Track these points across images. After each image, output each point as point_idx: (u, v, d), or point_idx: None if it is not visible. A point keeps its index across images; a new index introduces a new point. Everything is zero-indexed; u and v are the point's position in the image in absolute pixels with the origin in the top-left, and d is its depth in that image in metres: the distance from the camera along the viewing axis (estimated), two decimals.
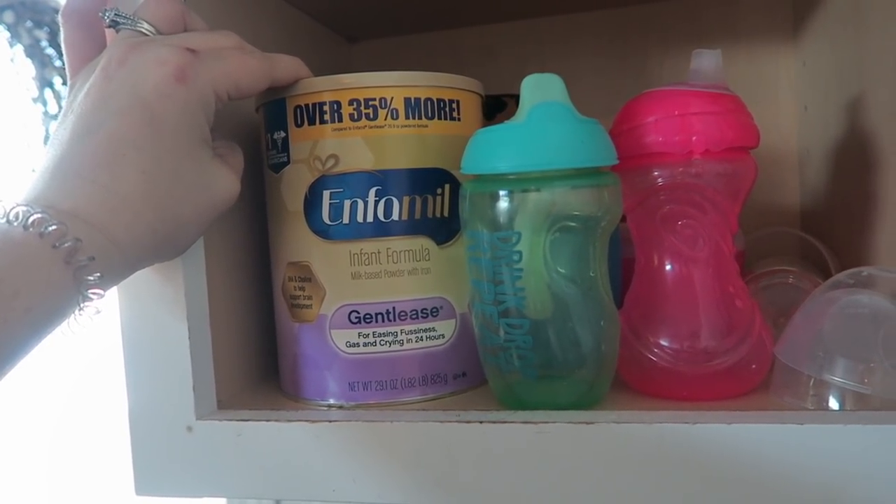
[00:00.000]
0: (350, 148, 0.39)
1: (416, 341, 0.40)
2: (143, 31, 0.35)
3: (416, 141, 0.40)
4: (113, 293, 0.35)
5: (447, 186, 0.40)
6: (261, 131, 0.43)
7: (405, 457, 0.36)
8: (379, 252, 0.39)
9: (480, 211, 0.36)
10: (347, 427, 0.36)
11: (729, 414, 0.33)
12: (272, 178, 0.42)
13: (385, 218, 0.39)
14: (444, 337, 0.41)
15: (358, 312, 0.39)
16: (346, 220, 0.39)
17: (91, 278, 0.29)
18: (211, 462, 0.38)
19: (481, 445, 0.35)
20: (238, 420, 0.38)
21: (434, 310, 0.40)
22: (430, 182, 0.40)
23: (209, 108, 0.34)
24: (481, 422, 0.35)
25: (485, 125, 0.39)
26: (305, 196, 0.40)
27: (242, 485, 0.38)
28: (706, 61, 0.38)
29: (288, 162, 0.40)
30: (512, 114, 0.36)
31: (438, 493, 0.35)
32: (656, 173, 0.37)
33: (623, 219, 0.38)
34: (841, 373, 0.33)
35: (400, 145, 0.39)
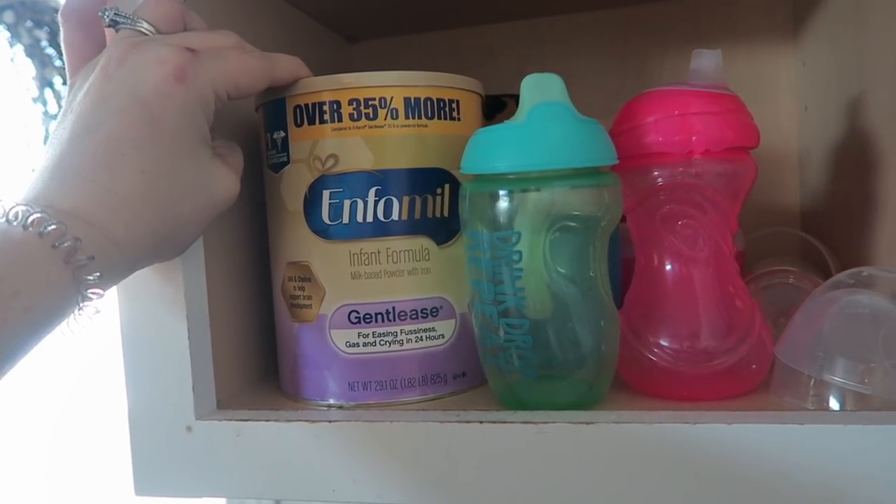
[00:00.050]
0: (350, 148, 0.39)
1: (416, 341, 0.40)
2: (143, 30, 0.35)
3: (416, 141, 0.39)
4: (112, 293, 0.35)
5: (447, 186, 0.40)
6: (260, 131, 0.43)
7: (405, 457, 0.36)
8: (379, 252, 0.39)
9: (480, 211, 0.36)
10: (347, 427, 0.36)
11: (729, 414, 0.33)
12: (272, 178, 0.42)
13: (385, 218, 0.39)
14: (443, 337, 0.41)
15: (358, 312, 0.39)
16: (345, 219, 0.39)
17: (90, 278, 0.29)
18: (210, 462, 0.38)
19: (481, 445, 0.35)
20: (238, 420, 0.38)
21: (434, 310, 0.40)
22: (430, 182, 0.40)
23: (209, 108, 0.34)
24: (481, 422, 0.35)
25: (485, 125, 0.39)
26: (305, 196, 0.40)
27: (242, 485, 0.38)
28: (706, 61, 0.38)
29: (288, 162, 0.40)
30: (512, 114, 0.36)
31: (438, 493, 0.35)
32: (656, 173, 0.37)
33: (623, 219, 0.38)
34: (841, 373, 0.33)
35: (400, 145, 0.39)
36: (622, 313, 0.39)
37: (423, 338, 0.40)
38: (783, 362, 0.36)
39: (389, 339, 0.40)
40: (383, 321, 0.39)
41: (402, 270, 0.40)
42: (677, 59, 0.65)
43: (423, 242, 0.40)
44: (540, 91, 0.35)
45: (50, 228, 0.28)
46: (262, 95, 0.41)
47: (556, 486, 0.34)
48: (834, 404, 0.34)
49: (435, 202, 0.40)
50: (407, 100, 0.39)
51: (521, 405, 0.37)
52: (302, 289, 0.41)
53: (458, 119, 0.41)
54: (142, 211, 0.31)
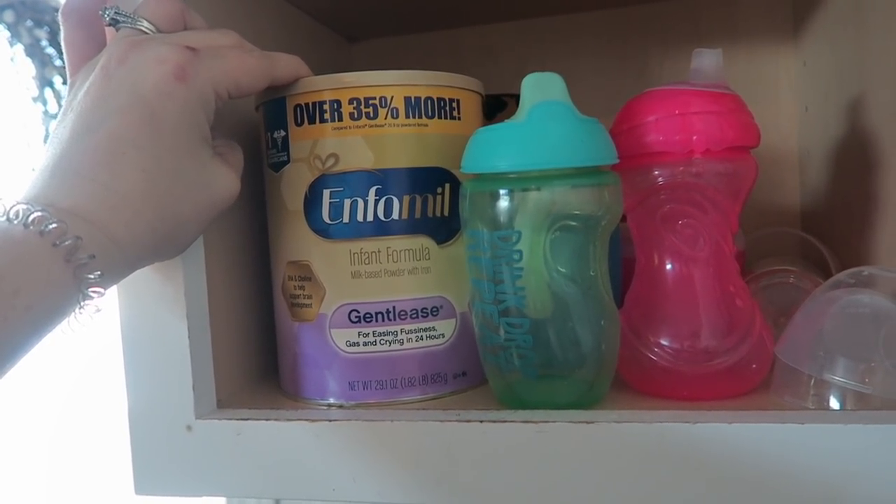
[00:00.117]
0: (350, 147, 0.39)
1: (416, 340, 0.40)
2: (143, 29, 0.35)
3: (417, 140, 0.39)
4: (113, 292, 0.35)
5: (447, 185, 0.40)
6: (261, 130, 0.43)
7: (405, 456, 0.36)
8: (379, 251, 0.39)
9: (481, 210, 0.36)
10: (347, 426, 0.36)
11: (729, 413, 0.33)
12: (272, 177, 0.42)
13: (385, 217, 0.39)
14: (444, 336, 0.41)
15: (358, 312, 0.39)
16: (346, 219, 0.39)
17: (91, 276, 0.29)
18: (210, 461, 0.38)
19: (481, 445, 0.35)
20: (238, 419, 0.38)
21: (434, 309, 0.40)
22: (431, 181, 0.40)
23: (209, 107, 0.34)
24: (481, 421, 0.35)
25: (485, 125, 0.39)
26: (305, 195, 0.40)
27: (242, 484, 0.38)
28: (707, 61, 0.38)
29: (288, 161, 0.40)
30: (512, 113, 0.36)
31: (438, 492, 0.35)
32: (657, 172, 0.37)
33: (623, 218, 0.38)
34: (841, 372, 0.33)
35: (400, 144, 0.39)
36: (622, 313, 0.39)
37: (424, 337, 0.40)
38: (783, 362, 0.36)
39: (390, 338, 0.40)
40: (383, 320, 0.39)
41: (403, 270, 0.39)
42: (677, 59, 0.65)
43: (424, 242, 0.40)
44: (540, 90, 0.35)
45: (51, 227, 0.28)
46: (262, 95, 0.41)
47: (556, 486, 0.34)
48: (834, 404, 0.34)
49: (435, 201, 0.40)
50: (407, 99, 0.39)
51: (521, 404, 0.37)
52: (302, 288, 0.41)
53: (459, 118, 0.41)
54: (142, 210, 0.31)
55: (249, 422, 0.38)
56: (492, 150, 0.36)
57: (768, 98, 0.63)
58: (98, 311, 0.30)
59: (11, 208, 0.28)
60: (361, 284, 0.39)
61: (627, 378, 0.39)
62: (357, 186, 0.39)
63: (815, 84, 0.58)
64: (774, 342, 0.37)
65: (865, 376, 0.33)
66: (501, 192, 0.35)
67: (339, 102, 0.39)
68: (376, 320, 0.39)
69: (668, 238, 0.38)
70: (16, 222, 0.28)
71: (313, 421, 0.37)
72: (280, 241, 0.42)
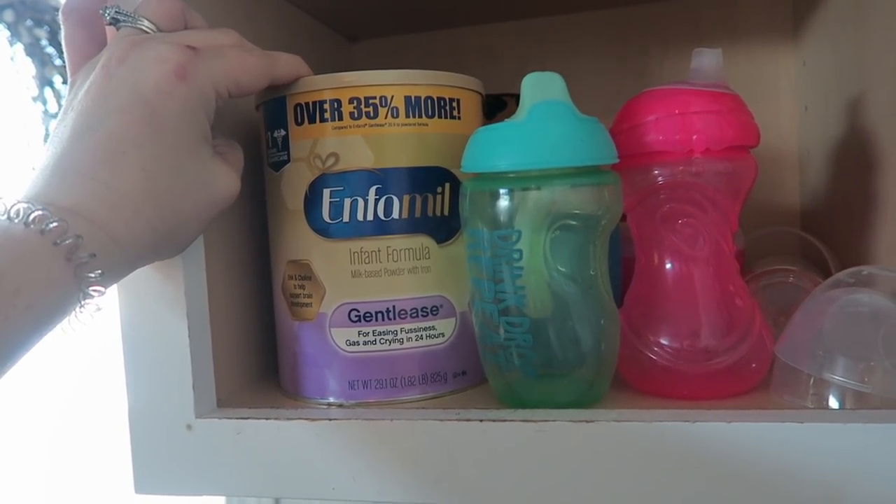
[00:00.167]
0: (350, 146, 0.39)
1: (416, 340, 0.40)
2: (144, 28, 0.35)
3: (417, 139, 0.40)
4: (113, 291, 0.35)
5: (447, 185, 0.40)
6: (261, 129, 0.43)
7: (405, 455, 0.36)
8: (379, 250, 0.39)
9: (481, 209, 0.36)
10: (347, 425, 0.36)
11: (729, 413, 0.33)
12: (272, 177, 0.42)
13: (385, 216, 0.39)
14: (444, 335, 0.41)
15: (358, 311, 0.39)
16: (346, 218, 0.39)
17: (92, 275, 0.29)
18: (210, 460, 0.38)
19: (481, 444, 0.35)
20: (238, 418, 0.38)
21: (434, 308, 0.40)
22: (431, 180, 0.40)
23: (209, 106, 0.34)
24: (481, 420, 0.35)
25: (485, 124, 0.39)
26: (305, 194, 0.40)
27: (242, 483, 0.38)
28: (707, 60, 0.38)
29: (288, 160, 0.40)
30: (512, 113, 0.36)
31: (438, 491, 0.35)
32: (657, 172, 0.37)
33: (623, 217, 0.38)
34: (841, 371, 0.33)
35: (400, 144, 0.39)
36: (622, 312, 0.39)
37: (424, 336, 0.40)
38: (783, 361, 0.36)
39: (389, 337, 0.40)
40: (383, 320, 0.39)
41: (403, 269, 0.40)
42: (677, 58, 0.65)
43: (424, 241, 0.40)
44: (540, 90, 0.35)
45: (51, 226, 0.28)
46: (262, 94, 0.41)
47: (556, 485, 0.34)
48: (834, 403, 0.34)
49: (435, 201, 0.40)
50: (407, 98, 0.39)
51: (521, 404, 0.37)
52: (302, 287, 0.41)
53: (459, 118, 0.41)
54: (142, 208, 0.31)
55: (249, 421, 0.38)
56: (492, 149, 0.36)
57: (768, 98, 0.63)
58: (98, 309, 0.30)
59: (12, 207, 0.28)
60: (361, 284, 0.39)
61: (627, 377, 0.39)
62: (357, 186, 0.39)
63: (814, 84, 0.58)
64: (774, 341, 0.37)
65: (865, 375, 0.33)
66: (501, 191, 0.35)
67: (339, 102, 0.39)
68: (376, 319, 0.39)
69: (668, 237, 0.38)
70: (16, 221, 0.28)
71: (313, 420, 0.37)
72: (280, 240, 0.42)
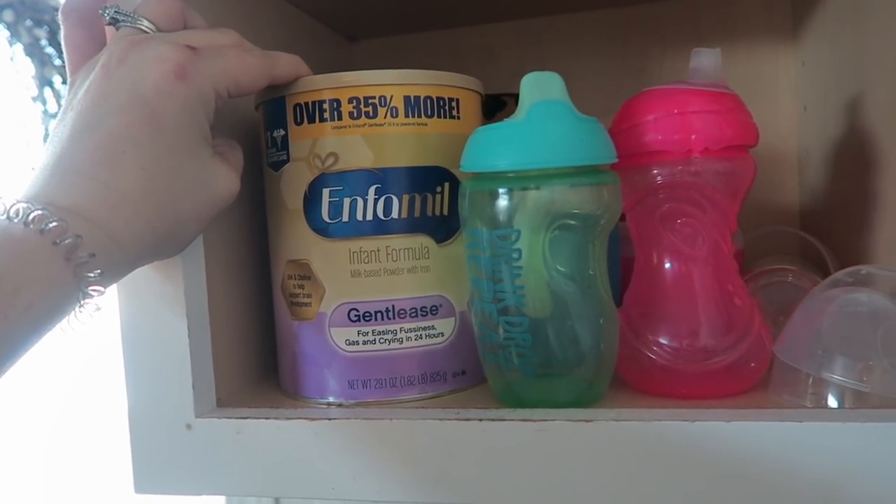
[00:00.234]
0: (350, 146, 0.39)
1: (416, 339, 0.40)
2: (143, 28, 0.35)
3: (416, 139, 0.40)
4: (113, 291, 0.35)
5: (447, 185, 0.40)
6: (260, 129, 0.43)
7: (404, 454, 0.36)
8: (378, 250, 0.39)
9: (480, 209, 0.36)
10: (347, 425, 0.36)
11: (728, 412, 0.33)
12: (272, 177, 0.42)
13: (385, 216, 0.39)
14: (443, 335, 0.41)
15: (357, 310, 0.40)
16: (345, 218, 0.39)
17: (91, 275, 0.29)
18: (210, 460, 0.38)
19: (480, 443, 0.35)
20: (237, 418, 0.38)
21: (433, 308, 0.40)
22: (430, 180, 0.40)
23: (209, 106, 0.34)
24: (480, 420, 0.35)
25: (484, 124, 0.39)
26: (305, 194, 0.40)
27: (242, 482, 0.38)
28: (706, 60, 0.38)
29: (287, 160, 0.40)
30: (512, 113, 0.36)
31: (438, 490, 0.35)
32: (656, 172, 0.37)
33: (622, 217, 0.38)
34: (840, 371, 0.33)
35: (399, 143, 0.39)
36: (621, 311, 0.39)
37: (423, 336, 0.40)
38: (782, 360, 0.36)
39: (389, 337, 0.40)
40: (383, 319, 0.40)
41: (402, 269, 0.40)
42: (677, 58, 0.65)
43: (423, 241, 0.40)
44: (539, 89, 0.35)
45: (51, 226, 0.28)
46: (262, 94, 0.41)
47: (555, 484, 0.34)
48: (832, 402, 0.34)
49: (434, 200, 0.40)
50: (407, 98, 0.39)
51: (520, 403, 0.37)
52: (302, 287, 0.41)
53: (458, 118, 0.41)
54: (142, 208, 0.31)
55: (249, 420, 0.38)
56: (491, 149, 0.36)
57: (767, 97, 0.64)
58: (98, 309, 0.30)
59: (11, 207, 0.28)
60: (361, 283, 0.39)
61: (626, 377, 0.39)
62: (356, 185, 0.39)
63: (814, 84, 0.58)
64: (773, 341, 0.38)
65: (863, 375, 0.33)
66: (500, 190, 0.35)
67: (338, 101, 0.39)
68: (376, 319, 0.39)
69: (667, 237, 0.38)
70: (16, 221, 0.28)
71: (313, 420, 0.37)
72: (280, 239, 0.42)
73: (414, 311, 0.40)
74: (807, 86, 0.60)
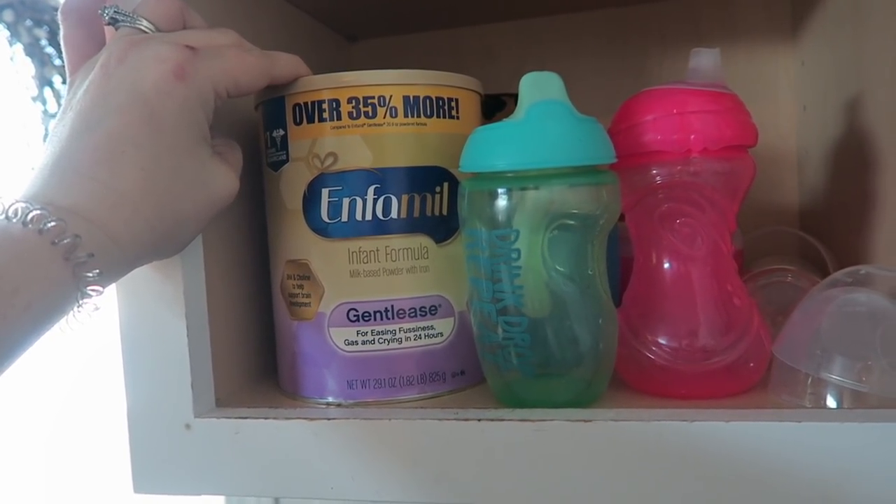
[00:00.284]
0: (349, 146, 0.39)
1: (415, 339, 0.40)
2: (143, 28, 0.35)
3: (415, 139, 0.40)
4: (112, 290, 0.35)
5: (446, 185, 0.40)
6: (260, 129, 0.43)
7: (403, 454, 0.36)
8: (377, 250, 0.39)
9: (479, 209, 0.36)
10: (346, 425, 0.36)
11: (727, 412, 0.33)
12: (271, 177, 0.42)
13: (384, 216, 0.39)
14: (442, 335, 0.41)
15: (356, 310, 0.40)
16: (344, 218, 0.39)
17: (90, 275, 0.29)
18: (209, 460, 0.38)
19: (479, 443, 0.35)
20: (236, 418, 0.38)
21: (433, 308, 0.40)
22: (429, 180, 0.40)
23: (208, 106, 0.34)
24: (479, 420, 0.35)
25: (484, 124, 0.39)
26: (304, 194, 0.40)
27: (241, 482, 0.38)
28: (705, 60, 0.38)
29: (287, 160, 0.40)
30: (511, 113, 0.36)
31: (437, 490, 0.35)
32: (655, 172, 0.37)
33: (621, 217, 0.38)
34: (838, 371, 0.33)
35: (399, 143, 0.39)
36: (620, 312, 0.39)
37: (422, 336, 0.40)
38: (781, 360, 0.36)
39: (388, 337, 0.40)
40: (382, 319, 0.40)
41: (401, 269, 0.40)
42: (676, 58, 0.65)
43: (422, 241, 0.40)
44: (538, 89, 0.35)
45: (49, 225, 0.28)
46: (261, 94, 0.41)
47: (554, 484, 0.34)
48: (831, 402, 0.34)
49: (434, 200, 0.40)
50: (406, 98, 0.39)
51: (519, 403, 0.37)
52: (301, 287, 0.41)
53: (457, 118, 0.41)
54: (141, 208, 0.31)
55: (248, 420, 0.38)
56: (490, 149, 0.36)
57: (767, 97, 0.64)
58: (96, 309, 0.30)
59: (10, 206, 0.28)
60: (360, 283, 0.39)
61: (625, 377, 0.39)
62: (356, 185, 0.39)
63: (813, 83, 0.58)
64: (772, 341, 0.38)
65: (862, 375, 0.33)
66: (500, 190, 0.35)
67: (337, 102, 0.39)
68: (375, 319, 0.40)
69: (666, 237, 0.38)
70: (15, 220, 0.28)
71: (312, 419, 0.37)
72: (279, 239, 0.42)
73: (413, 311, 0.40)
74: (806, 86, 0.60)
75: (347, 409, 0.40)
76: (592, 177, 0.35)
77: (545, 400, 0.37)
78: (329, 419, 0.37)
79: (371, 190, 0.39)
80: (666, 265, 0.38)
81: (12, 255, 0.27)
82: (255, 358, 0.47)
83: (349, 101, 0.39)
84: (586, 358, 0.37)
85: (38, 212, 0.28)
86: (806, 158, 0.61)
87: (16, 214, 0.28)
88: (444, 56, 0.71)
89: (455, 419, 0.35)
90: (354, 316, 0.40)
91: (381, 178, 0.39)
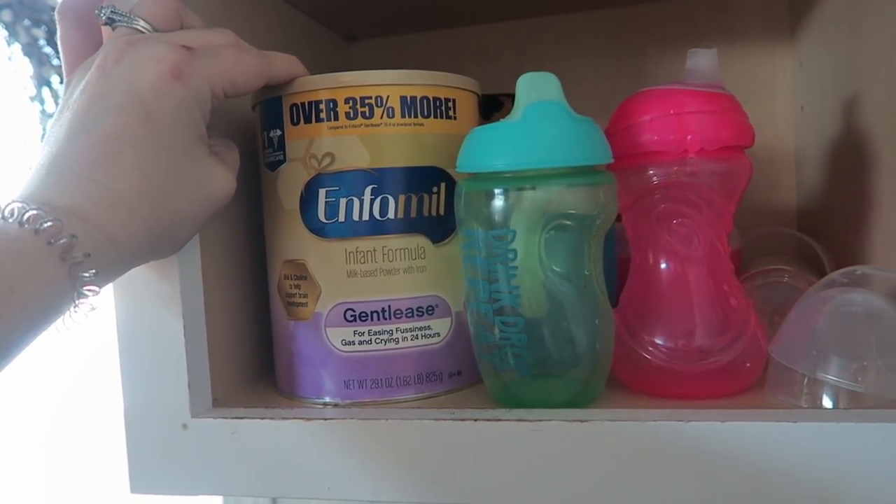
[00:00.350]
0: (346, 146, 0.39)
1: (412, 339, 0.40)
2: (140, 28, 0.35)
3: (412, 139, 0.40)
4: (108, 290, 0.35)
5: (443, 185, 0.40)
6: (257, 129, 0.43)
7: (400, 454, 0.36)
8: (375, 250, 0.39)
9: (476, 209, 0.36)
10: (343, 425, 0.36)
11: (723, 412, 0.33)
12: (268, 177, 0.42)
13: (381, 216, 0.39)
14: (439, 335, 0.41)
15: (353, 310, 0.40)
16: (341, 218, 0.39)
17: (86, 275, 0.29)
18: (206, 460, 0.38)
19: (476, 443, 0.35)
20: (233, 418, 0.38)
21: (430, 308, 0.40)
22: (426, 180, 0.40)
23: (205, 106, 0.34)
24: (476, 420, 0.35)
25: (481, 124, 0.39)
26: (301, 194, 0.40)
27: (238, 482, 0.38)
28: (702, 60, 0.38)
29: (284, 160, 0.40)
30: (509, 113, 0.36)
31: (434, 490, 0.35)
32: (652, 172, 0.37)
33: (618, 217, 0.38)
34: (835, 371, 0.33)
35: (396, 144, 0.39)
36: (617, 312, 0.39)
37: (419, 336, 0.40)
38: (777, 361, 0.36)
39: (385, 337, 0.40)
40: (379, 319, 0.40)
41: (398, 269, 0.40)
42: (674, 59, 0.65)
43: (419, 241, 0.40)
44: (536, 90, 0.35)
45: (46, 225, 0.28)
46: (258, 94, 0.41)
47: (551, 484, 0.34)
48: (827, 402, 0.34)
49: (431, 201, 0.40)
50: (403, 98, 0.39)
51: (516, 403, 0.37)
52: (298, 287, 0.41)
53: (455, 118, 0.41)
54: (138, 208, 0.31)
55: (245, 420, 0.38)
56: (487, 149, 0.36)
57: (765, 98, 0.64)
58: (93, 309, 0.30)
59: (7, 206, 0.28)
60: (357, 283, 0.39)
61: (622, 377, 0.39)
62: (353, 185, 0.39)
63: (811, 84, 0.58)
64: (769, 341, 0.38)
65: (858, 375, 0.33)
66: (496, 191, 0.35)
67: (334, 102, 0.39)
68: (372, 319, 0.40)
69: (663, 237, 0.38)
70: (11, 220, 0.28)
71: (309, 419, 0.37)
72: (276, 239, 0.42)
73: (410, 311, 0.40)
74: (804, 86, 0.60)
75: (344, 409, 0.40)
76: (589, 177, 0.35)
77: (542, 400, 0.37)
78: (326, 419, 0.37)
79: (368, 190, 0.39)
80: (663, 265, 0.38)
81: (8, 255, 0.27)
82: (252, 358, 0.47)
83: (346, 101, 0.39)
84: (583, 358, 0.37)
85: (35, 212, 0.28)
86: (803, 159, 0.61)
87: (12, 214, 0.28)
88: (443, 56, 0.71)
89: (452, 419, 0.35)
90: (351, 316, 0.40)
91: (378, 179, 0.39)
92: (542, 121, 0.35)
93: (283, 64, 0.38)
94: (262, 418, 0.38)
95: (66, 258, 0.28)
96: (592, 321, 0.37)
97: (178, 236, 0.34)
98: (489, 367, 0.38)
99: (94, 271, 0.29)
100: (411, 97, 0.39)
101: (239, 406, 0.40)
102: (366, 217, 0.39)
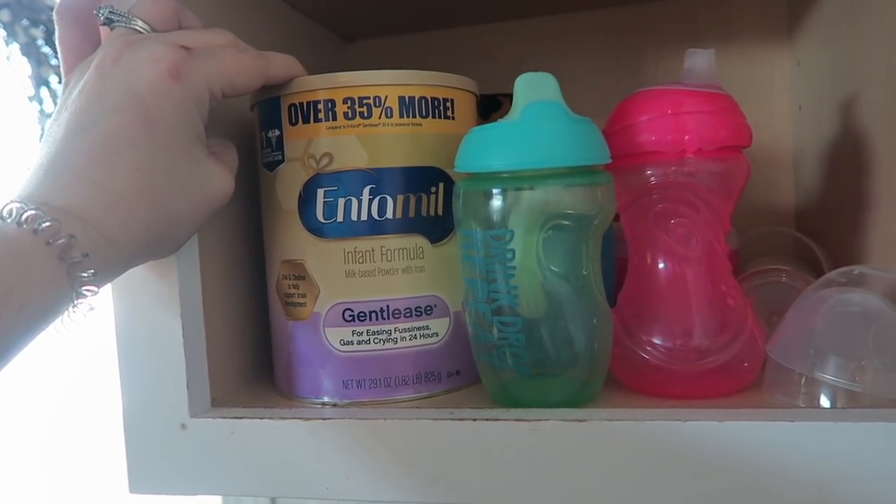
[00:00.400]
0: (344, 146, 0.39)
1: (410, 339, 0.40)
2: (138, 28, 0.35)
3: (411, 139, 0.40)
4: (107, 290, 0.35)
5: (441, 185, 0.40)
6: (255, 129, 0.43)
7: (399, 454, 0.36)
8: (373, 250, 0.39)
9: (474, 209, 0.36)
10: (341, 424, 0.37)
11: (721, 412, 0.33)
12: (267, 177, 0.42)
13: (379, 216, 0.39)
14: (437, 335, 0.41)
15: (352, 310, 0.40)
16: (340, 218, 0.39)
17: (85, 275, 0.29)
18: (205, 460, 0.38)
19: (475, 443, 0.35)
20: (232, 418, 0.38)
21: (428, 308, 0.40)
22: (425, 180, 0.40)
23: (203, 106, 0.34)
24: (475, 419, 0.35)
25: (479, 124, 0.39)
26: (300, 194, 0.40)
27: (237, 482, 0.38)
28: (699, 60, 0.38)
29: (282, 160, 0.40)
30: (507, 113, 0.36)
31: (432, 490, 0.35)
32: (649, 172, 0.37)
33: (616, 217, 0.38)
34: (832, 371, 0.33)
35: (394, 144, 0.39)
36: (615, 312, 0.39)
37: (418, 336, 0.40)
38: (775, 360, 0.36)
39: (383, 337, 0.40)
40: (377, 319, 0.40)
41: (397, 269, 0.40)
42: (672, 58, 0.65)
43: (418, 241, 0.40)
44: (534, 90, 0.35)
45: (44, 225, 0.28)
46: (256, 94, 0.41)
47: (549, 483, 0.34)
48: (825, 402, 0.34)
49: (429, 201, 0.40)
50: (401, 98, 0.39)
51: (514, 403, 0.37)
52: (296, 287, 0.41)
53: (453, 118, 0.41)
54: (136, 208, 0.31)
55: (244, 420, 0.38)
56: (485, 149, 0.36)
57: (763, 98, 0.64)
58: (91, 309, 0.30)
59: (5, 207, 0.28)
60: (355, 283, 0.39)
61: (620, 377, 0.40)
62: (351, 186, 0.39)
63: (809, 84, 0.58)
64: (766, 341, 0.38)
65: (856, 375, 0.33)
66: (495, 191, 0.35)
67: (333, 102, 0.39)
68: (370, 319, 0.40)
69: (661, 237, 0.38)
70: (9, 220, 0.28)
71: (307, 419, 0.37)
72: (274, 240, 0.42)
73: (408, 311, 0.40)
74: (802, 86, 0.60)
75: (343, 409, 0.40)
76: (587, 177, 0.35)
77: (540, 400, 0.37)
78: (325, 419, 0.37)
79: (366, 190, 0.39)
80: (660, 265, 0.38)
81: (7, 255, 0.27)
82: (251, 358, 0.47)
83: (345, 101, 0.39)
84: (581, 358, 0.37)
85: (33, 212, 0.28)
86: (801, 159, 0.61)
87: (10, 214, 0.28)
88: (441, 56, 0.71)
89: (450, 419, 0.35)
90: (350, 316, 0.40)
91: (376, 179, 0.39)
92: (541, 121, 0.35)
93: (281, 64, 0.38)
94: (260, 418, 0.38)
95: (64, 258, 0.28)
96: (590, 321, 0.37)
97: (176, 236, 0.34)
98: (487, 366, 0.38)
99: (92, 271, 0.29)
100: (409, 97, 0.39)
101: (238, 406, 0.40)
102: (364, 217, 0.39)
